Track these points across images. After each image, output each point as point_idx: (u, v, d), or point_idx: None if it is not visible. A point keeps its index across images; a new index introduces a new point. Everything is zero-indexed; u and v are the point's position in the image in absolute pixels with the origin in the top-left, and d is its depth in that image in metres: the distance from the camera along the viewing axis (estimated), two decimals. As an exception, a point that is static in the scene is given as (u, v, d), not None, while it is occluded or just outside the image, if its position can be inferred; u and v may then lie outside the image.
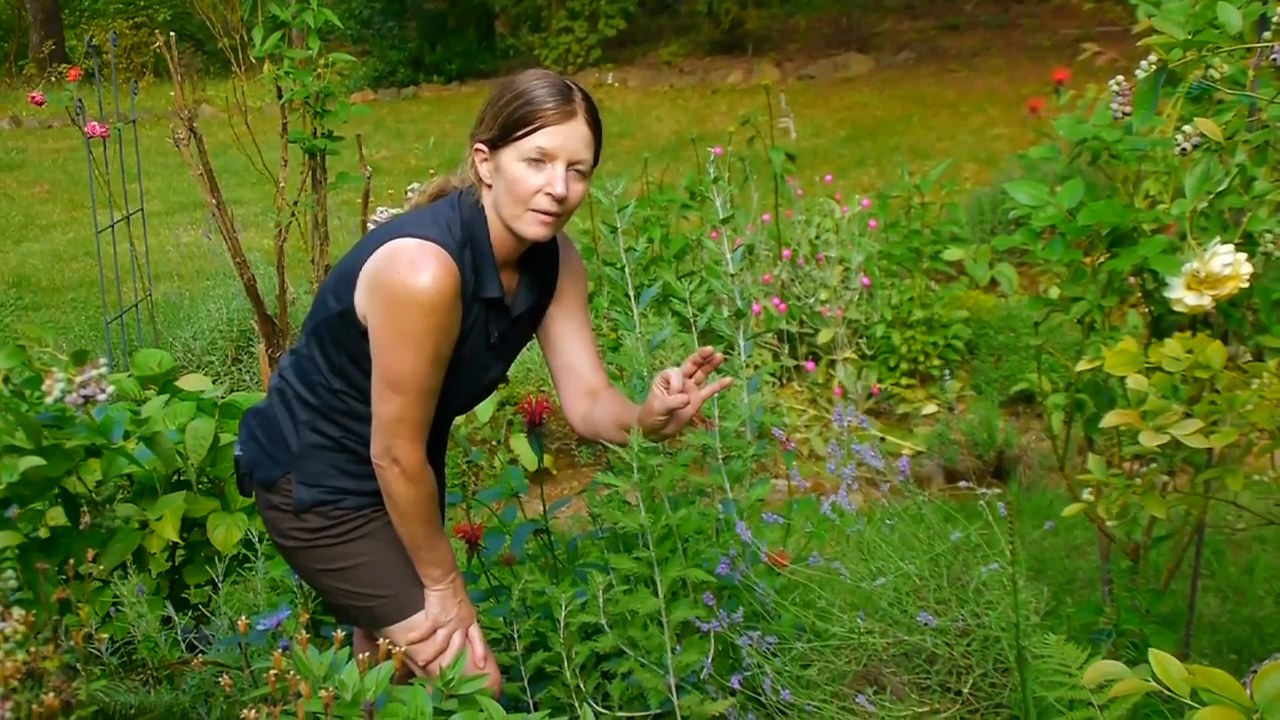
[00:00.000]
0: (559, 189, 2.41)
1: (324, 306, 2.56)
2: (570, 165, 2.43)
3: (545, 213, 2.43)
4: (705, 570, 2.65)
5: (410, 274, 2.38)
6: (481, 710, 2.27)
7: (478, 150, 2.49)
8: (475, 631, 2.68)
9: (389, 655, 2.25)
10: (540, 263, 2.65)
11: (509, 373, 6.02)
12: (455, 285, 2.41)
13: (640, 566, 2.67)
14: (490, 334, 2.59)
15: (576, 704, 2.69)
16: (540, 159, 2.41)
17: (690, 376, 2.43)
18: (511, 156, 2.42)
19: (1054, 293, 3.02)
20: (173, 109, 5.15)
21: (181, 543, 3.77)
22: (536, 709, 2.77)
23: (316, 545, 2.63)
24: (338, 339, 2.54)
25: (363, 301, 2.47)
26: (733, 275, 3.10)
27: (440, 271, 2.39)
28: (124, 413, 3.38)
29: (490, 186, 2.49)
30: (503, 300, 2.56)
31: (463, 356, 2.54)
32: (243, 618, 2.40)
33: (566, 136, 2.42)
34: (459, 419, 3.18)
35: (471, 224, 2.49)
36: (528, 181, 2.41)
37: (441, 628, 2.63)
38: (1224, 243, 2.54)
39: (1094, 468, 2.64)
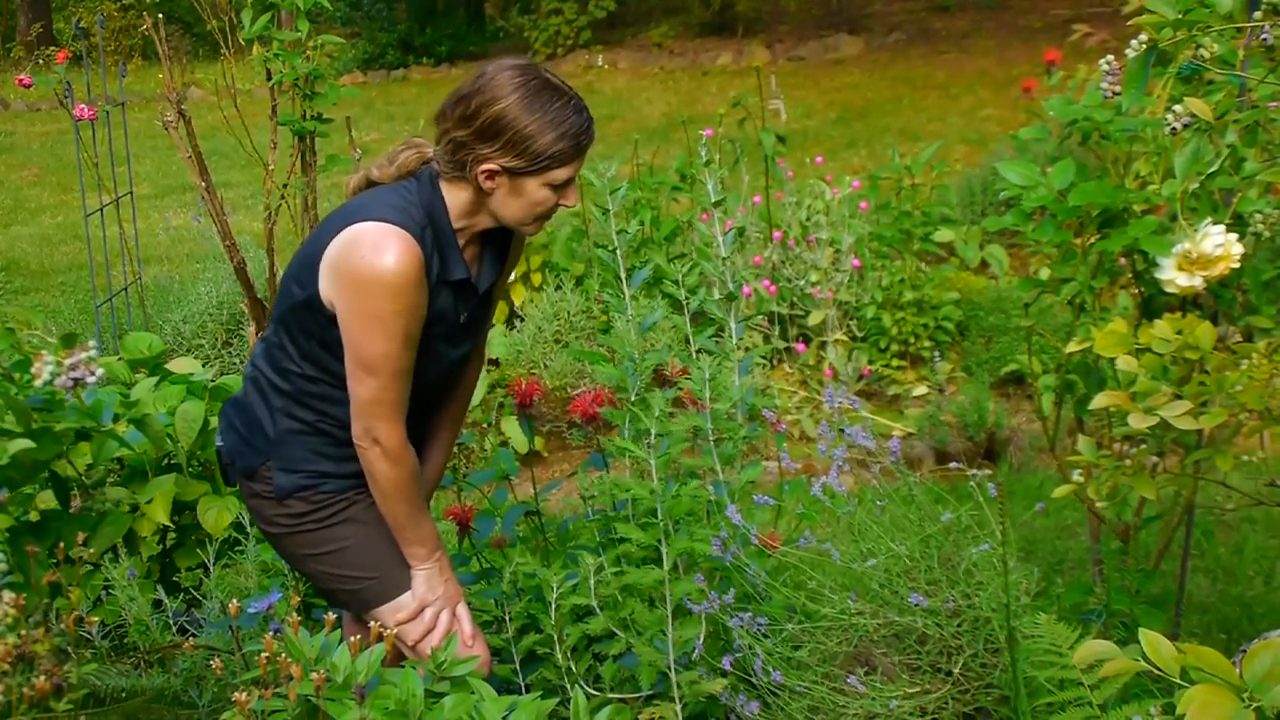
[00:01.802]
0: (573, 203, 2.54)
1: (289, 294, 2.57)
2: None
3: (549, 216, 2.56)
4: (705, 546, 2.67)
5: (374, 257, 2.39)
6: (473, 692, 2.27)
7: (485, 171, 2.46)
8: (462, 610, 2.69)
9: (380, 638, 2.26)
10: (499, 238, 2.68)
11: (500, 356, 6.03)
12: (420, 266, 2.43)
13: (648, 537, 2.68)
14: (460, 314, 2.61)
15: (568, 686, 2.70)
16: (563, 184, 2.50)
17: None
18: (537, 183, 2.47)
19: (1044, 274, 3.03)
20: (161, 92, 5.13)
21: (172, 526, 3.77)
22: (528, 691, 2.78)
23: (301, 531, 2.64)
24: (304, 326, 2.55)
25: (327, 287, 2.47)
26: (724, 258, 3.10)
27: (403, 253, 2.40)
28: (114, 396, 3.37)
29: (488, 192, 2.50)
30: (469, 280, 2.58)
31: (435, 336, 2.56)
32: (234, 601, 2.40)
33: (583, 157, 2.51)
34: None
35: (430, 207, 2.50)
36: (550, 201, 2.51)
37: (428, 607, 2.64)
38: (1215, 223, 2.54)
39: (1084, 449, 2.65)
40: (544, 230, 6.99)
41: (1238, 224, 2.72)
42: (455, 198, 2.52)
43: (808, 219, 6.75)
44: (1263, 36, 2.49)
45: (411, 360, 2.50)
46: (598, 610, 2.71)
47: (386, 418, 2.49)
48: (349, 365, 2.49)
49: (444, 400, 2.86)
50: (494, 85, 2.43)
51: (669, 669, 2.66)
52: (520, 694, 2.60)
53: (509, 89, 2.42)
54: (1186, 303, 2.83)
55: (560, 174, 2.46)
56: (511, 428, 5.38)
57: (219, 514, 3.76)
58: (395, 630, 2.57)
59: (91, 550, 3.24)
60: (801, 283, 6.51)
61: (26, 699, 2.05)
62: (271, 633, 2.34)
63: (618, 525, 2.77)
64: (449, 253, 2.52)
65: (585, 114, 2.48)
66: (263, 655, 2.11)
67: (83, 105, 5.36)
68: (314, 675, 2.05)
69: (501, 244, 2.70)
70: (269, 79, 4.64)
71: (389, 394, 2.48)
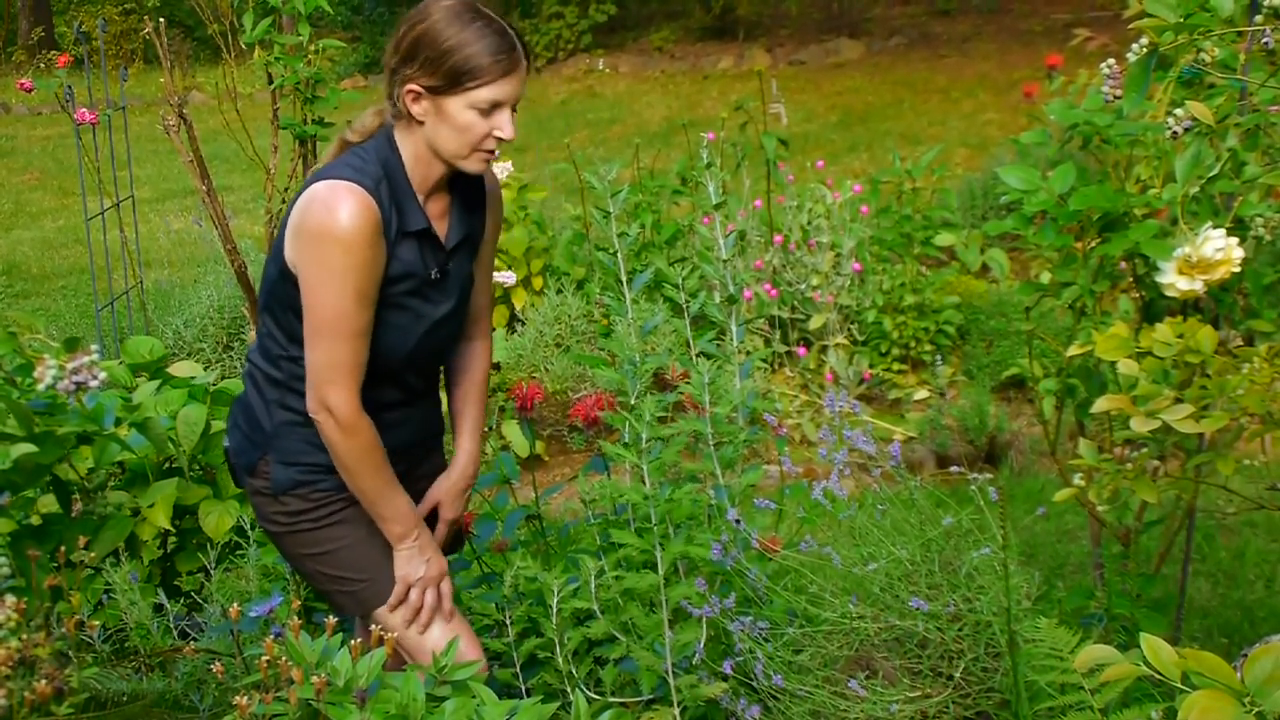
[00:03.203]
0: (509, 133, 2.49)
1: (268, 277, 2.60)
2: (513, 107, 2.51)
3: (491, 152, 2.52)
4: (702, 550, 2.67)
5: (325, 213, 2.41)
6: (473, 696, 2.27)
7: (410, 91, 2.48)
8: (446, 587, 2.68)
9: (381, 642, 2.25)
10: (467, 191, 2.68)
11: (501, 359, 6.03)
12: (373, 220, 2.44)
13: (643, 542, 2.67)
14: (430, 269, 2.59)
15: (569, 690, 2.69)
16: (491, 110, 2.47)
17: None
18: (459, 105, 2.46)
19: (1045, 278, 3.03)
20: (162, 95, 5.14)
21: (173, 530, 3.77)
22: (529, 695, 2.78)
23: (298, 529, 2.63)
24: (284, 303, 2.56)
25: (290, 251, 2.50)
26: (725, 261, 3.10)
27: (355, 207, 2.41)
28: (115, 399, 3.37)
29: (421, 123, 2.52)
30: (431, 230, 2.58)
31: (405, 292, 2.56)
32: (235, 605, 2.40)
33: (514, 84, 2.48)
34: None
35: (386, 163, 2.52)
36: (479, 128, 2.48)
37: (413, 587, 2.64)
38: (1215, 227, 2.54)
39: (1085, 452, 2.65)
40: (545, 233, 7.00)
41: (1238, 228, 2.72)
42: (407, 146, 2.54)
43: (809, 223, 6.76)
44: (1264, 40, 2.50)
45: (366, 323, 2.49)
46: (599, 614, 2.71)
47: (339, 383, 2.48)
48: (305, 331, 2.49)
49: (451, 376, 2.87)
50: (422, 11, 2.48)
51: (667, 673, 2.66)
52: (521, 698, 2.60)
53: (434, 11, 2.46)
54: (1187, 307, 2.83)
55: (482, 94, 2.44)
56: (512, 431, 5.38)
57: (220, 518, 3.77)
58: (387, 626, 2.57)
59: (93, 554, 3.24)
60: (802, 286, 6.52)
61: (28, 703, 2.06)
62: (272, 636, 2.35)
63: (613, 531, 2.77)
64: (406, 204, 2.52)
65: (509, 38, 2.46)
66: (264, 659, 2.11)
67: (84, 109, 5.37)
68: (315, 679, 2.05)
69: (472, 198, 2.70)
70: (270, 83, 4.65)
71: (343, 357, 2.47)
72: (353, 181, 2.44)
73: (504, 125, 2.48)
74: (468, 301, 2.75)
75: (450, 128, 2.48)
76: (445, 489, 2.83)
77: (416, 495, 2.75)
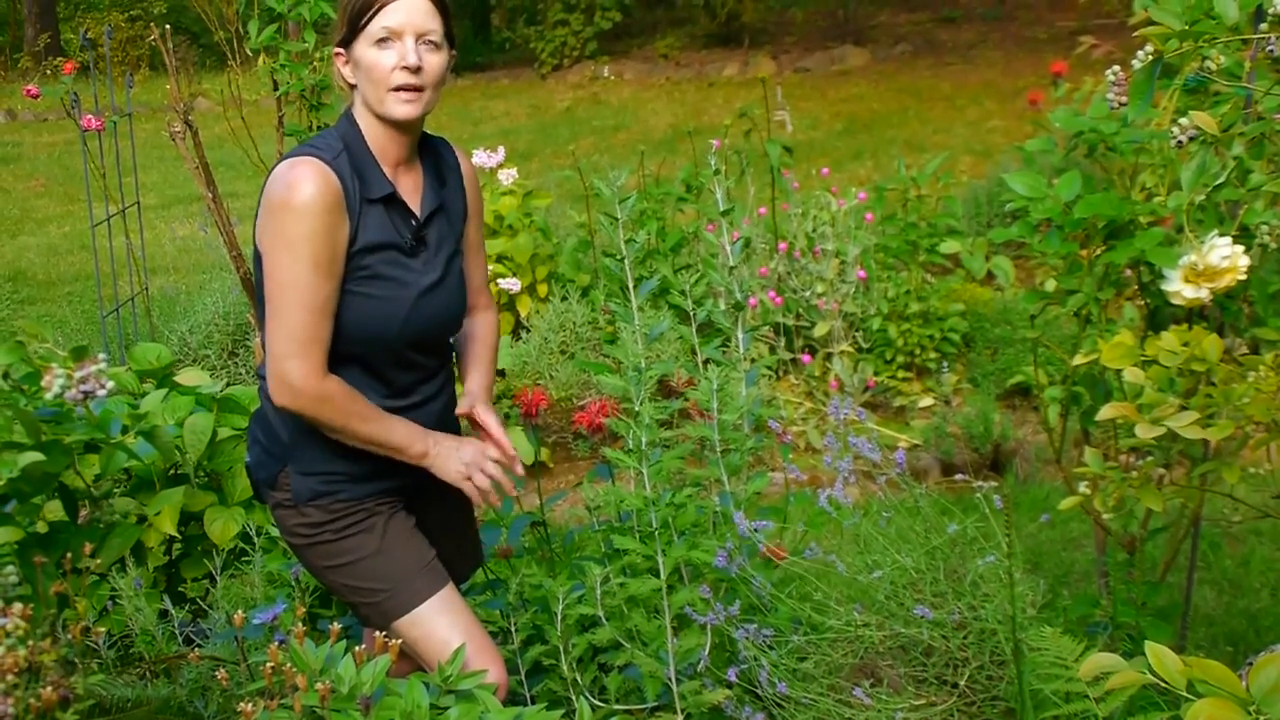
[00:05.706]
0: (411, 59, 2.50)
1: (258, 285, 2.59)
2: (419, 38, 2.52)
3: (405, 88, 2.52)
4: (705, 555, 2.67)
5: (281, 187, 2.45)
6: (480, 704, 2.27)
7: (337, 55, 2.58)
8: (494, 453, 2.65)
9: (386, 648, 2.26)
10: (436, 163, 2.71)
11: (506, 366, 6.03)
12: (330, 188, 2.45)
13: (645, 548, 2.67)
14: (404, 238, 2.59)
15: (573, 697, 2.69)
16: (388, 39, 2.50)
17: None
18: (364, 46, 2.51)
19: (1050, 286, 3.03)
20: (168, 102, 5.15)
21: (179, 536, 3.78)
22: (533, 702, 2.78)
23: (320, 541, 2.63)
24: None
25: (257, 238, 2.52)
26: (731, 268, 3.10)
27: (311, 175, 2.44)
28: (123, 406, 3.38)
29: (356, 87, 2.57)
30: (398, 196, 2.58)
31: (382, 262, 2.55)
32: (239, 611, 2.40)
33: (408, 11, 2.51)
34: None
35: (346, 135, 2.56)
36: (382, 64, 2.51)
37: (468, 478, 2.61)
38: (1221, 235, 2.54)
39: (1090, 460, 2.65)
40: (550, 240, 7.01)
41: (1244, 236, 2.71)
42: (363, 118, 2.58)
43: (814, 230, 6.76)
44: (1269, 48, 2.50)
45: (326, 297, 2.47)
46: (604, 620, 2.71)
47: (297, 355, 2.46)
48: (266, 309, 2.50)
49: (459, 348, 2.86)
50: None
51: (670, 680, 2.66)
52: (526, 705, 2.60)
53: None
54: (1193, 315, 2.83)
55: (375, 26, 2.49)
56: (517, 438, 5.38)
57: (225, 525, 3.77)
58: (409, 633, 2.56)
59: (99, 561, 3.25)
60: (807, 294, 6.52)
61: (34, 710, 2.06)
62: (277, 643, 2.35)
63: (615, 536, 2.77)
64: (368, 172, 2.54)
65: None
66: (268, 666, 2.11)
67: (90, 116, 5.38)
68: (319, 686, 2.05)
69: (441, 169, 2.71)
70: (275, 89, 4.66)
71: (301, 330, 2.45)
72: (307, 155, 2.49)
73: (405, 54, 2.49)
74: (458, 279, 2.74)
75: (365, 76, 2.53)
76: (471, 399, 2.79)
77: (447, 510, 2.74)
